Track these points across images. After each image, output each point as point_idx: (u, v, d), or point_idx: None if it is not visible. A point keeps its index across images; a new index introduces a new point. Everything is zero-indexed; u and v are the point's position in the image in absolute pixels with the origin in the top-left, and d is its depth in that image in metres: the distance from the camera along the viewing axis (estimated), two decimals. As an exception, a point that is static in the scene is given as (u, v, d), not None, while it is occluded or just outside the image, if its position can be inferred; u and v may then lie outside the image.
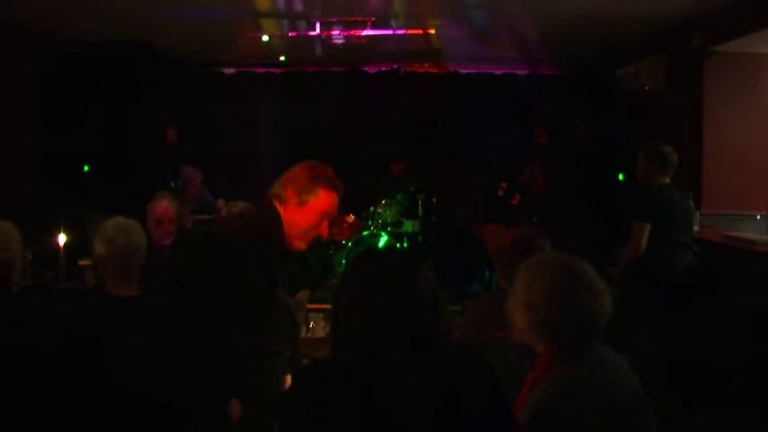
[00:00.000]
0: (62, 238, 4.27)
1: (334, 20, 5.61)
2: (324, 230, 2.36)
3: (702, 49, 5.22)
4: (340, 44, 5.94)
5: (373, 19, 5.56)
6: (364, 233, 6.63)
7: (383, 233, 6.60)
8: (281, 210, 2.33)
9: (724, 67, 5.22)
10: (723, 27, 4.95)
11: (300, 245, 2.36)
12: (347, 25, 5.67)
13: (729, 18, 4.87)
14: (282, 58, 7.54)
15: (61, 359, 2.21)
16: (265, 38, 6.16)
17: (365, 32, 5.73)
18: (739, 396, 3.78)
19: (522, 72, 7.98)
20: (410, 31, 5.99)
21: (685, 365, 4.05)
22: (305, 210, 2.31)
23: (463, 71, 8.07)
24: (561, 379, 1.72)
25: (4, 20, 5.57)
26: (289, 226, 2.33)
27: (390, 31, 5.88)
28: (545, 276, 1.79)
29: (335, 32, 5.76)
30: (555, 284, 1.76)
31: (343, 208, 6.87)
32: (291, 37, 6.10)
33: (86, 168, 6.36)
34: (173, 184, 5.75)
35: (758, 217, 5.12)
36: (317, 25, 5.64)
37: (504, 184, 6.65)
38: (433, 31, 6.02)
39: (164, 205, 3.78)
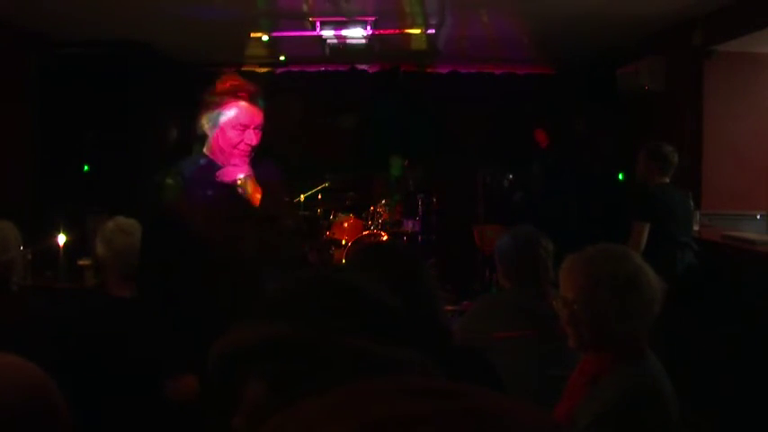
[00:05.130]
0: (62, 238, 4.27)
1: (334, 20, 5.61)
2: (251, 140, 2.42)
3: (702, 49, 5.22)
4: (340, 44, 5.93)
5: (373, 19, 5.56)
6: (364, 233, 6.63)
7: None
8: (207, 149, 2.43)
9: (724, 67, 5.22)
10: (723, 27, 4.95)
11: (237, 163, 2.41)
12: (347, 25, 5.67)
13: (730, 18, 4.87)
14: (282, 58, 7.53)
15: (61, 359, 2.21)
16: (265, 38, 6.16)
17: (365, 32, 5.72)
18: (740, 396, 3.78)
19: (521, 72, 7.97)
20: (410, 31, 5.98)
21: (685, 365, 4.05)
22: (222, 130, 2.41)
23: (463, 71, 8.06)
24: (638, 374, 1.70)
25: (3, 20, 5.57)
26: (221, 153, 2.43)
27: (390, 32, 5.86)
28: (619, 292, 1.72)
29: (335, 32, 5.75)
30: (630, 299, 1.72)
31: (343, 208, 6.88)
32: (291, 37, 6.10)
33: (86, 168, 6.36)
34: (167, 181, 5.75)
35: (758, 217, 5.12)
36: (317, 25, 5.64)
37: (511, 176, 6.68)
38: (432, 31, 6.01)
39: None
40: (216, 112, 2.41)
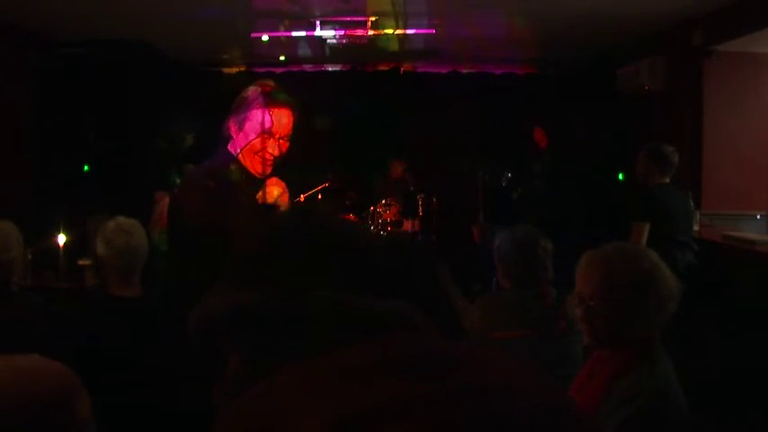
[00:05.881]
0: (62, 238, 4.26)
1: (333, 20, 5.60)
2: (274, 149, 2.31)
3: (702, 49, 5.22)
4: (340, 44, 5.92)
5: (373, 19, 5.55)
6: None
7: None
8: (231, 147, 2.34)
9: (724, 67, 5.22)
10: (723, 27, 4.96)
11: (258, 168, 2.32)
12: (347, 25, 5.66)
13: (730, 18, 4.87)
14: (282, 58, 7.53)
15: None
16: (265, 38, 6.16)
17: (365, 32, 5.71)
18: (740, 396, 3.78)
19: (521, 72, 7.97)
20: (410, 31, 5.97)
21: (685, 365, 4.05)
22: (245, 133, 2.32)
23: (463, 71, 8.06)
24: (659, 374, 1.71)
25: (4, 20, 5.57)
26: (243, 157, 2.33)
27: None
28: (639, 292, 1.72)
29: (335, 32, 5.74)
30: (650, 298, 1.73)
31: (344, 208, 6.88)
32: (291, 37, 6.09)
33: (86, 168, 6.37)
34: (178, 182, 5.78)
35: (758, 217, 5.13)
36: (317, 25, 5.63)
37: (509, 175, 6.67)
38: (433, 31, 6.01)
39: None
40: (242, 114, 2.29)
